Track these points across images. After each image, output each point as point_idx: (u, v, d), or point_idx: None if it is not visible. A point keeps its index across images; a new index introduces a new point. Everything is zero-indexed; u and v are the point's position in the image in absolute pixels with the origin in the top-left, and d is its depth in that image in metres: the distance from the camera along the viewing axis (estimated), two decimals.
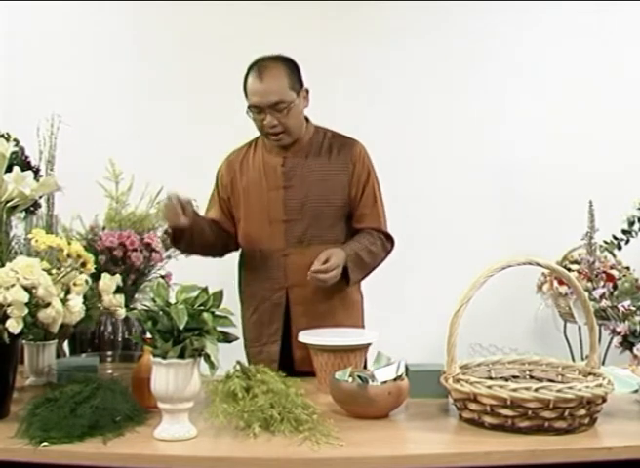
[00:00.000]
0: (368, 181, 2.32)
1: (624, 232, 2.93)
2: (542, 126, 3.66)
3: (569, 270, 3.02)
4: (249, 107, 2.22)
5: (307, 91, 2.28)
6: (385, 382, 1.74)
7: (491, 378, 1.81)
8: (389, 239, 2.35)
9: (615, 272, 3.13)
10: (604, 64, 3.65)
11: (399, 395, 1.74)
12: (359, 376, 1.78)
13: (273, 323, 2.29)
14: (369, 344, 2.02)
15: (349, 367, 1.86)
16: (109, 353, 2.18)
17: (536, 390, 1.56)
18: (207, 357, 1.52)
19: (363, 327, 2.39)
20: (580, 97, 3.65)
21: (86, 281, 1.79)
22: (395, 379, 1.75)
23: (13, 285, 1.56)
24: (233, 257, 3.33)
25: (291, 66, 2.24)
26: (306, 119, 2.34)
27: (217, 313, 1.55)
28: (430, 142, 3.62)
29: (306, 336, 2.04)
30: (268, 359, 2.21)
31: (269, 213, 2.29)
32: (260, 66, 2.21)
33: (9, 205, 1.77)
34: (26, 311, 1.56)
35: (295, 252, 2.28)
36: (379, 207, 2.34)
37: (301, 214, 2.28)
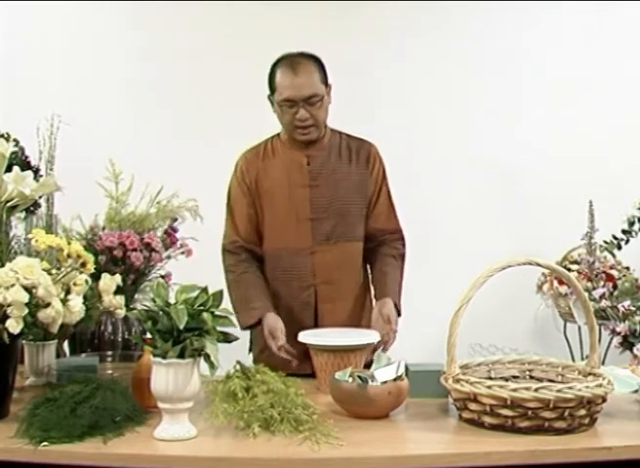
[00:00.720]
0: (384, 182, 2.36)
1: (624, 232, 2.93)
2: (542, 126, 3.66)
3: (569, 270, 3.02)
4: (281, 101, 2.22)
5: (330, 87, 2.29)
6: (385, 382, 1.74)
7: (491, 378, 1.81)
8: (402, 241, 2.38)
9: (614, 272, 3.13)
10: (604, 65, 3.65)
11: (399, 395, 1.74)
12: (359, 376, 1.78)
13: (304, 321, 2.26)
14: (369, 344, 2.02)
15: (349, 367, 1.86)
16: (109, 353, 2.18)
17: (536, 390, 1.56)
18: (207, 357, 1.52)
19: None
20: (580, 98, 3.65)
21: (86, 281, 1.79)
22: (395, 379, 1.75)
23: (13, 285, 1.56)
24: None
25: (319, 62, 2.27)
26: None
27: (216, 313, 1.55)
28: (430, 142, 3.62)
29: (306, 336, 2.04)
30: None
31: (296, 211, 2.29)
32: (292, 61, 2.23)
33: (9, 205, 1.77)
34: (26, 311, 1.56)
35: (322, 249, 2.28)
36: (393, 208, 2.38)
37: (328, 213, 2.29)
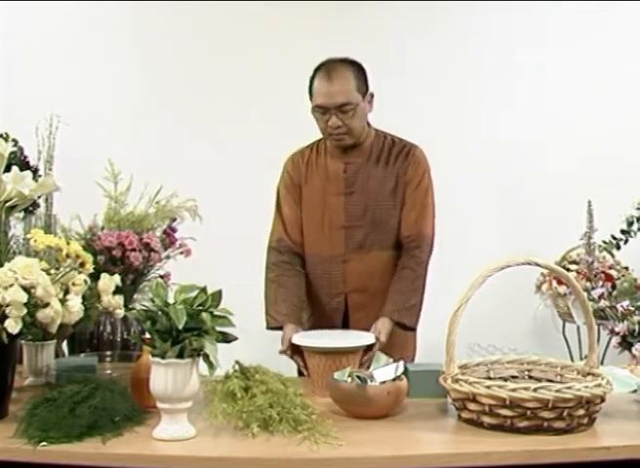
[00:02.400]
0: (418, 186, 2.29)
1: (623, 232, 2.94)
2: (541, 126, 3.66)
3: (568, 270, 3.02)
4: (314, 108, 2.22)
5: (372, 95, 2.27)
6: (384, 382, 1.74)
7: (490, 378, 1.81)
8: (425, 247, 2.29)
9: (613, 272, 3.13)
10: (603, 65, 3.65)
11: (398, 395, 1.74)
12: (358, 376, 1.78)
13: (333, 328, 2.28)
14: (362, 347, 2.01)
15: (342, 367, 1.86)
16: (108, 353, 2.17)
17: (534, 390, 1.56)
18: (206, 357, 1.52)
19: (415, 342, 2.41)
20: (580, 98, 3.66)
21: (85, 281, 1.79)
22: (394, 379, 1.75)
23: (11, 285, 1.56)
24: (231, 257, 3.35)
25: (358, 69, 2.24)
26: (367, 123, 2.33)
27: (215, 313, 1.55)
28: (428, 142, 3.61)
29: (299, 338, 2.03)
30: None
31: (330, 218, 2.29)
32: (328, 68, 2.21)
33: (7, 205, 1.77)
34: (25, 311, 1.56)
35: (354, 257, 2.29)
36: (426, 212, 2.29)
37: (362, 221, 2.28)
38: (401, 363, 1.82)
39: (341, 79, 2.19)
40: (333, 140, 2.26)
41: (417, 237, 2.28)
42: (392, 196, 2.29)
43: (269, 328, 2.25)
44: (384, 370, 1.80)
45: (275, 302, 2.24)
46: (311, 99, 2.24)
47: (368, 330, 2.16)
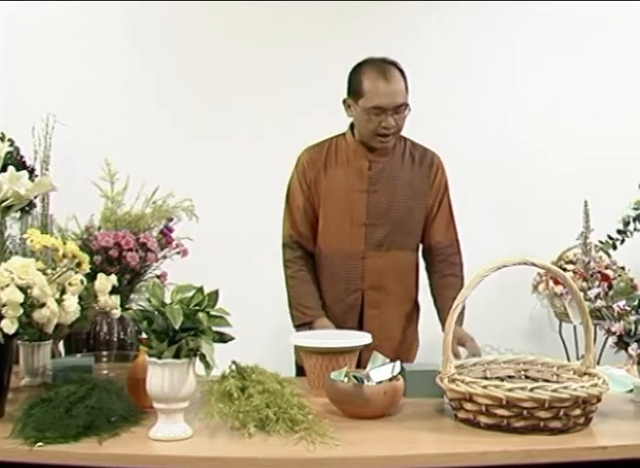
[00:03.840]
0: (445, 194, 2.35)
1: (620, 232, 2.94)
2: (539, 126, 3.66)
3: (564, 270, 3.02)
4: (370, 108, 2.18)
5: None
6: (381, 382, 1.75)
7: (486, 378, 1.81)
8: (460, 254, 2.38)
9: (610, 272, 3.14)
10: (601, 65, 3.65)
11: (394, 395, 1.74)
12: (354, 376, 1.78)
13: (347, 323, 2.28)
14: (359, 347, 2.01)
15: (338, 367, 1.86)
16: (105, 353, 2.17)
17: (531, 390, 1.56)
18: (202, 357, 1.52)
19: (418, 342, 2.44)
20: (576, 98, 3.66)
21: (81, 281, 1.79)
22: (391, 379, 1.76)
23: (8, 285, 1.55)
24: (228, 257, 3.35)
25: (401, 69, 2.25)
26: None
27: (212, 313, 1.55)
28: (426, 142, 3.61)
29: (296, 338, 2.03)
30: None
31: (352, 215, 2.29)
32: (382, 68, 2.20)
33: (4, 205, 1.77)
34: (21, 311, 1.56)
35: (373, 255, 2.30)
36: (453, 220, 2.37)
37: (384, 219, 2.29)
38: (397, 363, 1.82)
39: (397, 79, 2.20)
40: (378, 142, 2.24)
41: (451, 243, 2.34)
42: (415, 199, 2.31)
43: (299, 324, 2.25)
44: (381, 370, 1.80)
45: (302, 297, 2.25)
46: (357, 99, 2.21)
47: (380, 327, 2.19)
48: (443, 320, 2.15)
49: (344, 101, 2.26)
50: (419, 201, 2.31)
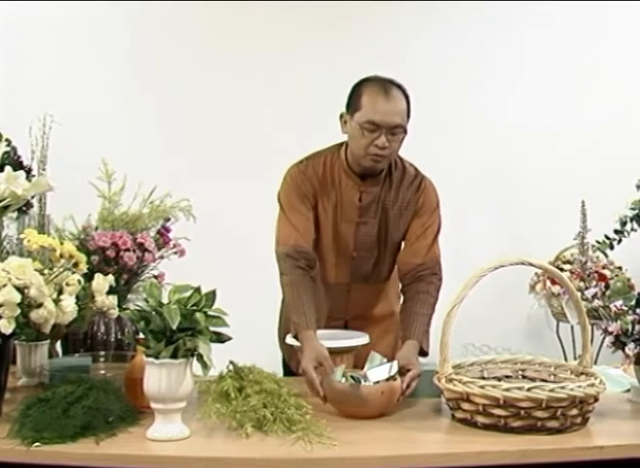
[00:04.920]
0: (431, 217, 2.20)
1: (617, 232, 2.95)
2: (537, 126, 3.66)
3: (561, 270, 3.03)
4: (364, 123, 2.06)
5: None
6: (378, 382, 1.75)
7: (483, 378, 1.81)
8: (439, 274, 2.19)
9: (607, 272, 3.14)
10: (598, 65, 3.66)
11: (391, 395, 1.74)
12: (352, 376, 1.79)
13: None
14: (356, 347, 2.01)
15: (342, 367, 1.86)
16: (102, 353, 2.17)
17: (528, 390, 1.56)
18: (200, 357, 1.52)
19: None
20: (573, 98, 3.66)
21: (78, 281, 1.79)
22: (388, 379, 1.76)
23: (5, 285, 1.55)
24: (225, 258, 3.35)
25: (406, 94, 2.13)
26: None
27: (209, 313, 1.55)
28: (424, 142, 3.61)
29: (292, 339, 2.03)
30: None
31: (339, 246, 2.22)
32: (385, 86, 2.08)
33: (1, 205, 1.77)
34: (18, 311, 1.56)
35: (358, 287, 2.25)
36: (435, 242, 2.21)
37: (371, 253, 2.22)
38: (395, 363, 1.82)
39: (398, 100, 2.08)
40: (369, 161, 2.11)
41: (431, 264, 2.17)
42: (399, 227, 2.21)
43: (297, 336, 2.06)
44: (378, 370, 1.80)
45: (300, 307, 2.05)
46: (353, 113, 2.09)
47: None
48: (412, 335, 2.00)
49: (341, 116, 2.16)
50: (401, 230, 2.22)
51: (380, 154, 2.08)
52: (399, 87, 2.12)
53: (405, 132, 2.09)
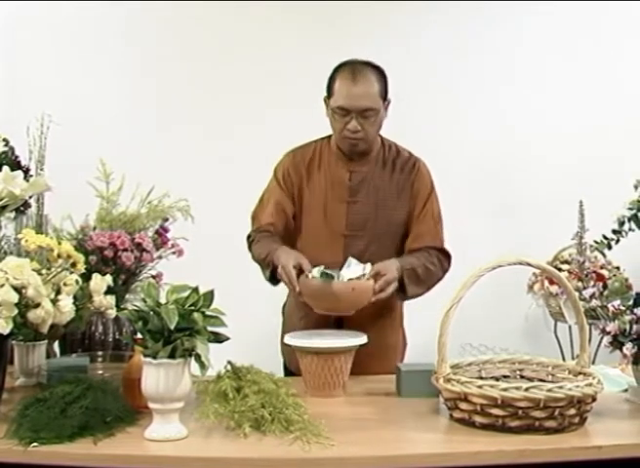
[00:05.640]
0: (428, 200, 2.26)
1: (615, 232, 2.95)
2: (533, 127, 3.67)
3: (559, 270, 3.03)
4: (335, 108, 2.15)
5: (389, 102, 2.22)
6: (351, 280, 1.89)
7: (481, 378, 1.81)
8: (447, 258, 2.27)
9: (605, 272, 3.14)
10: (599, 66, 3.66)
11: (363, 292, 1.90)
12: (325, 273, 1.92)
13: (326, 327, 2.19)
14: (354, 346, 2.01)
15: (335, 368, 1.89)
16: (100, 353, 2.17)
17: (526, 389, 1.56)
18: (197, 357, 1.52)
19: (405, 340, 2.41)
20: (571, 98, 3.67)
21: (76, 281, 1.78)
22: (359, 277, 1.91)
23: (2, 285, 1.55)
24: (223, 257, 3.34)
25: (381, 73, 2.19)
26: None
27: (207, 313, 1.55)
28: (420, 142, 3.61)
29: (291, 338, 2.03)
30: None
31: (331, 226, 2.25)
32: (354, 69, 2.15)
33: None
34: (16, 311, 1.56)
35: None
36: (438, 226, 2.28)
37: (364, 231, 2.24)
38: (368, 264, 1.97)
39: (366, 82, 2.13)
40: (346, 144, 2.20)
41: (436, 245, 2.24)
42: (397, 209, 2.25)
43: (273, 278, 2.17)
44: (352, 270, 1.95)
45: (270, 245, 2.18)
46: (329, 98, 2.18)
47: (360, 327, 2.10)
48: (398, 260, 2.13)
49: (324, 100, 2.23)
50: (400, 211, 2.26)
51: (353, 137, 2.16)
52: (374, 68, 2.17)
53: (377, 113, 2.15)
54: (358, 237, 2.24)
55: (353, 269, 1.94)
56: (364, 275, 1.93)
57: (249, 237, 2.35)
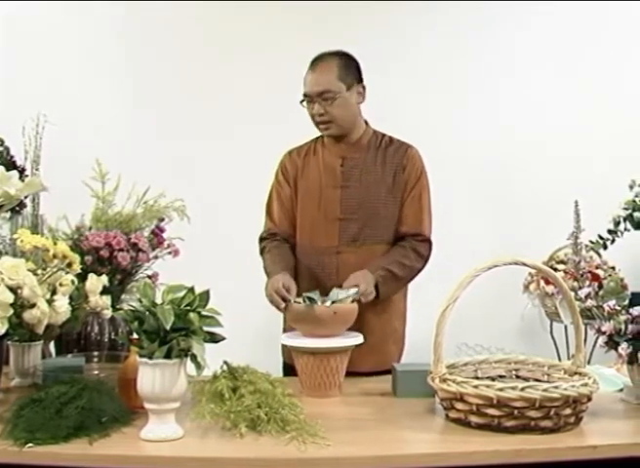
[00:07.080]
0: (416, 184, 2.35)
1: (610, 232, 2.95)
2: (530, 127, 3.67)
3: (555, 270, 3.03)
4: (302, 97, 2.31)
5: (364, 87, 2.34)
6: (334, 303, 1.95)
7: (477, 378, 1.81)
8: (426, 244, 2.34)
9: (600, 272, 3.14)
10: (597, 66, 3.66)
11: (346, 315, 1.95)
12: (308, 297, 1.98)
13: None
14: (350, 347, 2.01)
15: (330, 368, 1.90)
16: (95, 353, 2.16)
17: (522, 389, 1.56)
18: (193, 357, 1.52)
19: (404, 333, 2.41)
20: (568, 98, 3.67)
21: (72, 281, 1.78)
22: (342, 301, 1.97)
23: None
24: (219, 258, 3.34)
25: (345, 60, 2.32)
26: (366, 122, 2.40)
27: (203, 313, 1.55)
28: (418, 142, 3.62)
29: (287, 338, 2.03)
30: None
31: (326, 211, 2.34)
32: (316, 59, 2.32)
33: None
34: (11, 312, 1.56)
35: (348, 250, 2.32)
36: (423, 212, 2.35)
37: (357, 214, 2.32)
38: (354, 289, 2.03)
39: (324, 68, 2.28)
40: (320, 129, 2.34)
41: (420, 235, 2.32)
42: (389, 192, 2.33)
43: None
44: (337, 294, 2.00)
45: (273, 265, 2.28)
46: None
47: (356, 320, 2.12)
48: (369, 267, 2.21)
49: None
50: (393, 194, 2.34)
51: (320, 121, 2.31)
52: (338, 55, 2.32)
53: (335, 95, 2.27)
54: (353, 221, 2.32)
55: (338, 293, 2.02)
56: (348, 297, 2.00)
57: (261, 240, 2.45)
